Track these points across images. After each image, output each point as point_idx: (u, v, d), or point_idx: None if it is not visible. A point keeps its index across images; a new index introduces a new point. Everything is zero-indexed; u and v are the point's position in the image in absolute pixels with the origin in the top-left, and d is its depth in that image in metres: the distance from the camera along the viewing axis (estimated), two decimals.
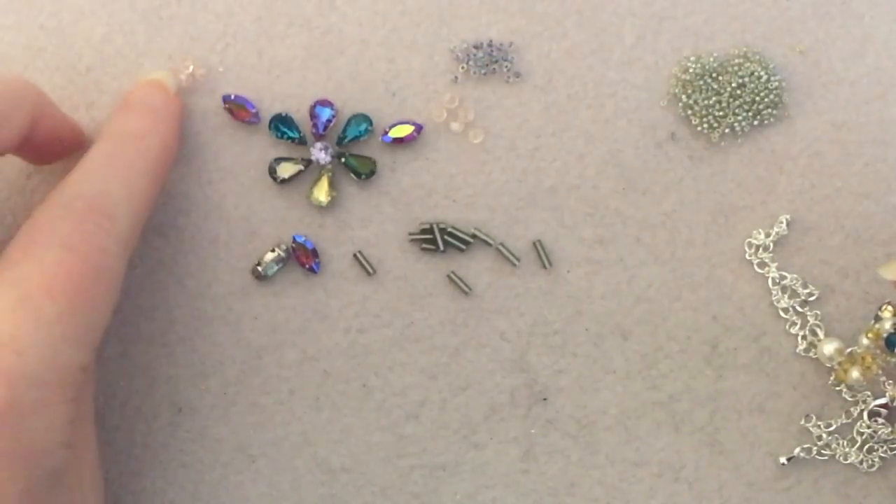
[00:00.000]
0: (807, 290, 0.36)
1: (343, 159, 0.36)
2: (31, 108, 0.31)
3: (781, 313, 0.36)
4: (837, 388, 0.36)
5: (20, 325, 0.26)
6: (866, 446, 0.36)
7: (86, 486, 0.31)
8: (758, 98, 0.36)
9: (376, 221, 0.37)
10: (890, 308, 0.34)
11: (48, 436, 0.26)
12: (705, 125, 0.36)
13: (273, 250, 0.36)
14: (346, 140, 0.36)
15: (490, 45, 0.36)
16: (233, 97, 0.36)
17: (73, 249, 0.28)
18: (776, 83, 0.36)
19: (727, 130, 0.36)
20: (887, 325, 0.34)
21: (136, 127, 0.33)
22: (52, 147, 0.34)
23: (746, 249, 0.36)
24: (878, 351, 0.34)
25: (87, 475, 0.31)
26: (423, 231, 0.36)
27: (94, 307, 0.28)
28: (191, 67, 0.36)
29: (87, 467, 0.31)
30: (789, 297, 0.36)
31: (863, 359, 0.35)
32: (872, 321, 0.35)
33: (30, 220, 0.29)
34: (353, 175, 0.36)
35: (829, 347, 0.35)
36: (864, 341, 0.35)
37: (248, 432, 0.36)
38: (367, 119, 0.36)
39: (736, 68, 0.36)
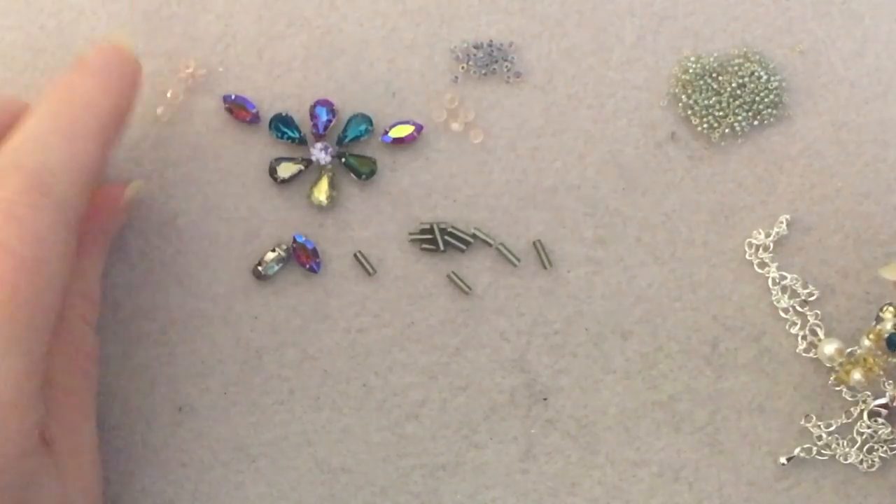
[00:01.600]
0: (807, 290, 0.36)
1: (343, 159, 0.36)
2: None
3: (781, 313, 0.36)
4: (837, 389, 0.36)
5: None
6: (866, 446, 0.36)
7: (73, 489, 0.30)
8: (758, 98, 0.36)
9: (376, 221, 0.37)
10: (891, 309, 0.34)
11: (5, 448, 0.25)
12: (705, 125, 0.36)
13: (273, 250, 0.36)
14: (346, 140, 0.36)
15: (490, 45, 0.36)
16: (233, 97, 0.36)
17: (5, 250, 0.26)
18: (776, 83, 0.36)
19: (727, 130, 0.36)
20: (888, 326, 0.34)
21: (85, 87, 0.30)
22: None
23: (746, 249, 0.36)
24: (880, 352, 0.34)
25: (76, 477, 0.30)
26: (423, 231, 0.36)
27: (36, 309, 0.26)
28: (191, 67, 0.36)
29: (75, 469, 0.30)
30: (789, 297, 0.36)
31: (865, 360, 0.35)
32: (874, 322, 0.35)
33: None
34: (353, 175, 0.36)
35: (829, 348, 0.35)
36: (866, 342, 0.35)
37: (248, 432, 0.36)
38: (367, 119, 0.36)
39: (736, 68, 0.36)
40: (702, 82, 0.36)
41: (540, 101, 0.37)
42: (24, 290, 0.26)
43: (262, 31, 0.37)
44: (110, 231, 0.35)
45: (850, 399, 0.36)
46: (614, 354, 0.37)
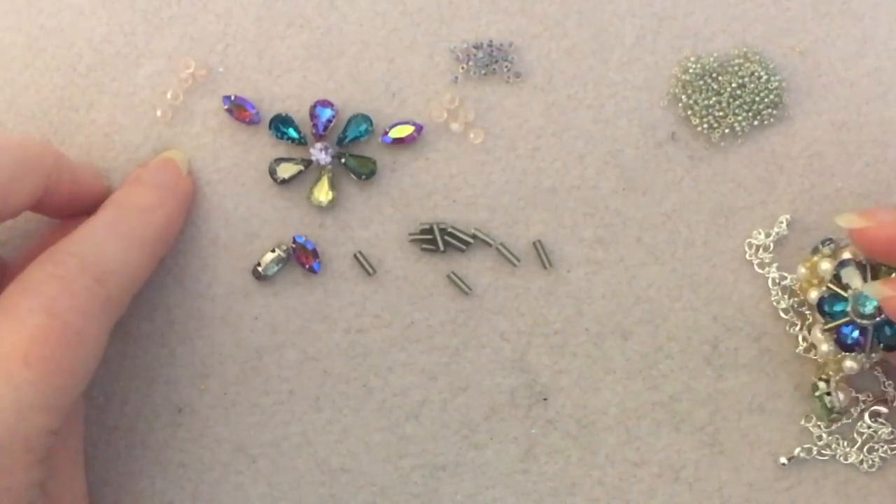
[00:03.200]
0: None
1: (343, 159, 0.36)
2: (46, 173, 0.31)
3: (781, 313, 0.36)
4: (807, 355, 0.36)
5: None
6: (866, 446, 0.36)
7: None
8: (758, 98, 0.36)
9: (376, 221, 0.37)
10: (831, 246, 0.34)
11: (11, 501, 0.27)
12: (705, 125, 0.36)
13: (273, 250, 0.36)
14: (346, 140, 0.36)
15: (490, 45, 0.36)
16: (233, 97, 0.36)
17: (57, 315, 0.28)
18: (776, 83, 0.36)
19: (727, 130, 0.36)
20: (823, 265, 0.34)
21: (143, 199, 0.34)
22: (71, 205, 0.34)
23: (746, 249, 0.36)
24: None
25: None
26: (423, 231, 0.36)
27: (70, 374, 0.28)
28: (191, 67, 0.36)
29: None
30: (789, 297, 0.36)
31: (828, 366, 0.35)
32: (811, 252, 0.35)
33: (22, 274, 0.29)
34: (353, 175, 0.36)
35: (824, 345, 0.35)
36: (802, 270, 0.35)
37: (248, 432, 0.36)
38: (367, 119, 0.36)
39: (736, 68, 0.36)
40: (702, 82, 0.36)
41: (540, 101, 0.37)
42: (67, 355, 0.28)
43: (262, 31, 0.37)
44: None
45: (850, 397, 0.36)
46: (614, 354, 0.37)
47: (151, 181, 0.34)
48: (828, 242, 0.35)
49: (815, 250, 0.35)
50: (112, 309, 0.30)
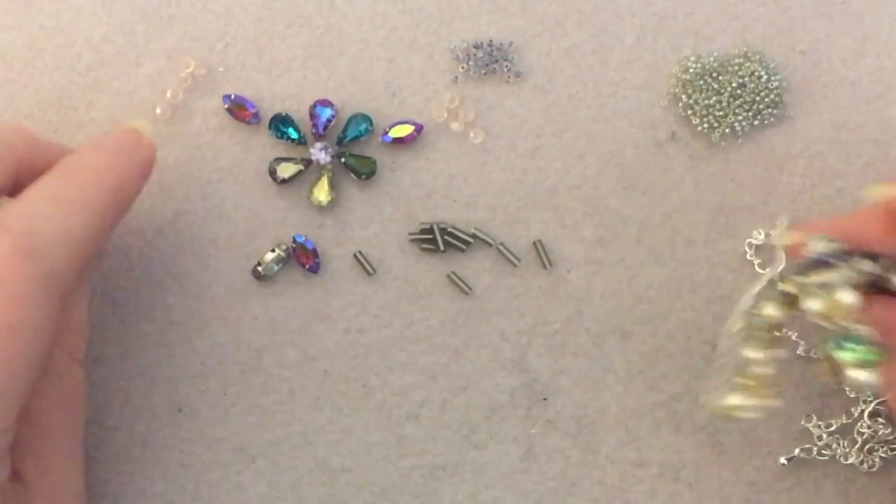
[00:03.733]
0: None
1: (343, 159, 0.36)
2: (15, 159, 0.30)
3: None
4: (838, 387, 0.36)
5: None
6: (867, 446, 0.36)
7: None
8: (758, 98, 0.36)
9: (376, 221, 0.37)
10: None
11: None
12: (705, 125, 0.36)
13: (273, 250, 0.36)
14: (346, 140, 0.36)
15: (490, 45, 0.36)
16: (233, 97, 0.36)
17: None
18: (776, 83, 0.36)
19: (727, 130, 0.36)
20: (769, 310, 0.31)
21: (92, 161, 0.30)
22: None
23: (746, 249, 0.36)
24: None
25: None
26: (423, 231, 0.36)
27: (8, 371, 0.26)
28: (191, 67, 0.36)
29: None
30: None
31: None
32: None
33: None
34: (353, 175, 0.36)
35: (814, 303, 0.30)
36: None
37: (248, 432, 0.36)
38: (367, 119, 0.36)
39: (736, 68, 0.36)
40: (702, 82, 0.36)
41: (540, 101, 0.37)
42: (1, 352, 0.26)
43: (262, 31, 0.37)
44: (95, 263, 0.34)
45: (850, 397, 0.36)
46: (614, 354, 0.37)
47: (104, 144, 0.31)
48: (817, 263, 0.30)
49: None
50: (53, 286, 0.27)
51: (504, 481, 0.36)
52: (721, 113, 0.36)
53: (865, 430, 0.36)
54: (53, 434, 0.31)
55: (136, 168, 0.31)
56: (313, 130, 0.36)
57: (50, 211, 0.28)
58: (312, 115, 0.36)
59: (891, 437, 0.35)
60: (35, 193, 0.29)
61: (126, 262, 0.36)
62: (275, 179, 0.36)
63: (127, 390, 0.36)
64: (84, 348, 0.33)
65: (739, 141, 0.37)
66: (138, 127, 0.32)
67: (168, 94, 0.36)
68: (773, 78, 0.36)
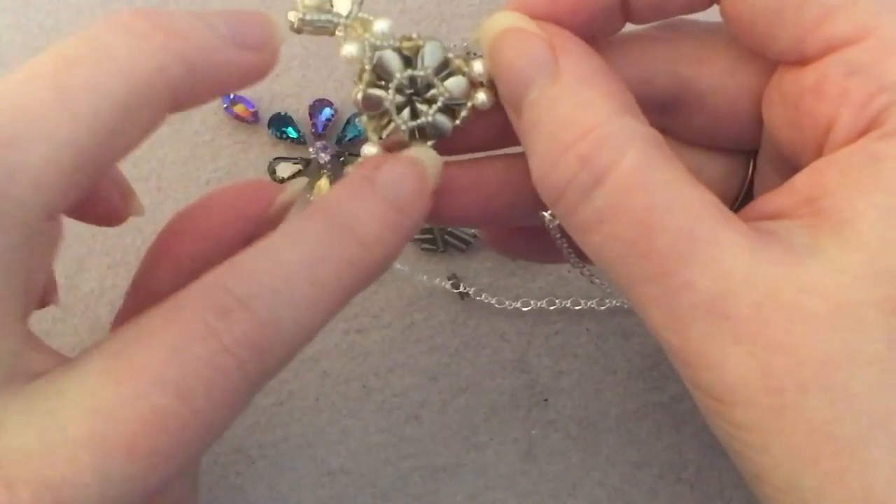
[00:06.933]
0: None
1: (342, 158, 0.36)
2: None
3: None
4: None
5: (72, 475, 0.19)
6: None
7: None
8: None
9: None
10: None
11: None
12: None
13: None
14: (345, 140, 0.36)
15: None
16: (232, 96, 0.36)
17: (189, 400, 0.20)
18: None
19: None
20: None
21: (367, 227, 0.23)
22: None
23: None
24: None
25: None
26: (423, 231, 0.36)
27: (178, 465, 0.20)
28: None
29: None
30: None
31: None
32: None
33: (173, 300, 0.21)
34: None
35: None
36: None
37: (247, 434, 0.36)
38: None
39: None
40: None
41: None
42: (183, 448, 0.20)
43: None
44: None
45: None
46: (615, 355, 0.36)
47: (387, 194, 0.23)
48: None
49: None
50: (257, 388, 0.21)
51: (504, 482, 0.36)
52: None
53: None
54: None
55: (405, 237, 0.24)
56: (313, 130, 0.36)
57: (296, 295, 0.21)
58: (312, 115, 0.36)
59: None
60: (285, 260, 0.22)
61: (125, 263, 0.36)
62: (274, 179, 0.36)
63: None
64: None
65: None
66: (422, 155, 0.25)
67: None
68: None
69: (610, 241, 0.21)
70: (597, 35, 0.24)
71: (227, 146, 0.36)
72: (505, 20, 0.24)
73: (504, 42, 0.23)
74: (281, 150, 0.36)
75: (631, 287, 0.21)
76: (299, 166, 0.36)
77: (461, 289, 0.36)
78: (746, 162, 0.27)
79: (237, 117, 0.36)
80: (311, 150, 0.36)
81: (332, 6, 0.24)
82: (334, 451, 0.36)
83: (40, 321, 0.36)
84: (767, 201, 0.22)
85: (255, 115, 0.36)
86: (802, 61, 0.22)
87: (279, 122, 0.36)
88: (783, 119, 0.23)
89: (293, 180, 0.32)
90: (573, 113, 0.22)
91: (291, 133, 0.36)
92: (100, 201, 0.27)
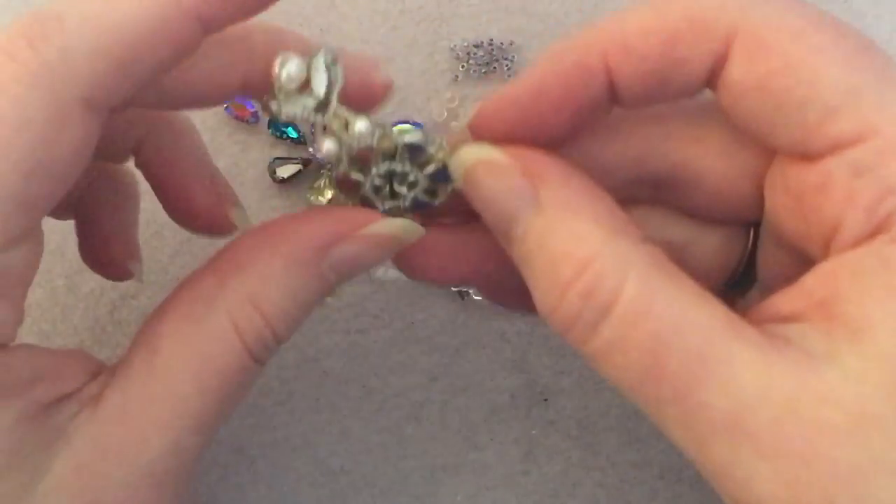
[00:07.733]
0: None
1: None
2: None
3: None
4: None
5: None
6: None
7: None
8: None
9: None
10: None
11: None
12: None
13: None
14: None
15: (490, 44, 0.36)
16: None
17: (207, 392, 0.24)
18: None
19: None
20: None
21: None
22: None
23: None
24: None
25: None
26: None
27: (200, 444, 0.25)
28: None
29: None
30: None
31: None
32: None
33: (211, 293, 0.24)
34: None
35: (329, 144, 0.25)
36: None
37: (247, 433, 0.36)
38: None
39: None
40: None
41: None
42: (195, 444, 0.24)
43: None
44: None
45: None
46: None
47: (329, 277, 0.26)
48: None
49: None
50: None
51: (504, 482, 0.36)
52: None
53: None
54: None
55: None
56: (313, 130, 0.36)
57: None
58: None
59: None
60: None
61: None
62: (274, 179, 0.36)
63: None
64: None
65: None
66: None
67: None
68: None
69: (623, 370, 0.21)
70: (585, 122, 0.24)
71: (227, 146, 0.36)
72: (474, 153, 0.24)
73: (478, 177, 0.23)
74: (281, 150, 0.36)
75: (649, 408, 0.21)
76: (299, 166, 0.36)
77: (461, 288, 0.36)
78: (746, 230, 0.26)
79: (237, 117, 0.36)
80: (311, 149, 0.36)
81: (311, 90, 0.24)
82: (334, 451, 0.36)
83: (40, 321, 0.36)
84: (778, 302, 0.22)
85: (255, 115, 0.36)
86: (806, 157, 0.22)
87: (279, 122, 0.36)
88: (787, 209, 0.23)
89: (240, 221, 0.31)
90: (565, 247, 0.22)
91: (291, 133, 0.36)
92: (112, 262, 0.30)
